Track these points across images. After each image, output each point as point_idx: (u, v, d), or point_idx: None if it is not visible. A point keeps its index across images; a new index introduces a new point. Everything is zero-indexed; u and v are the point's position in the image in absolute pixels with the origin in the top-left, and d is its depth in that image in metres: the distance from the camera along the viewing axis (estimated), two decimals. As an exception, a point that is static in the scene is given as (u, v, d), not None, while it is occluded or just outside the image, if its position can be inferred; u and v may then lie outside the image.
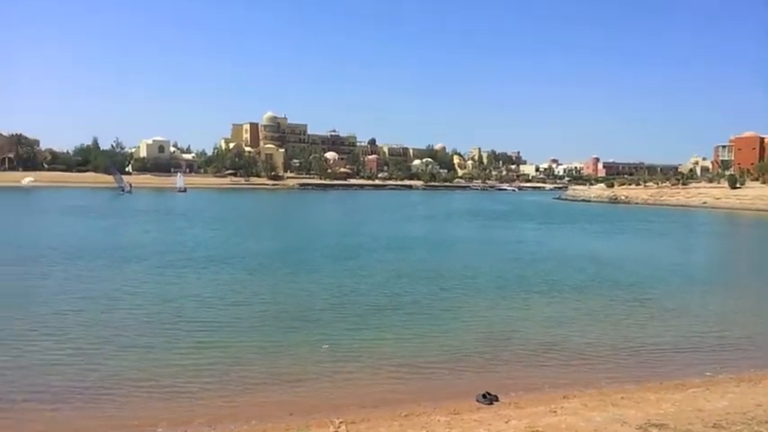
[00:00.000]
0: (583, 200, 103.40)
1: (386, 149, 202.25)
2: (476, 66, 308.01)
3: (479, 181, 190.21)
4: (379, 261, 25.29)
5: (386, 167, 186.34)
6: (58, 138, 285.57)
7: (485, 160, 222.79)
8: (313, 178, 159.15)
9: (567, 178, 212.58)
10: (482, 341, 13.29)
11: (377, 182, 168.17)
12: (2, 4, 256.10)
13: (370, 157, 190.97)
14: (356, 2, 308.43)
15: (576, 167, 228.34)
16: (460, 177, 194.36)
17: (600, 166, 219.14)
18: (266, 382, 10.53)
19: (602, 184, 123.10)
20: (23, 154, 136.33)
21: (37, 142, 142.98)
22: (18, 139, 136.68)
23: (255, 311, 15.64)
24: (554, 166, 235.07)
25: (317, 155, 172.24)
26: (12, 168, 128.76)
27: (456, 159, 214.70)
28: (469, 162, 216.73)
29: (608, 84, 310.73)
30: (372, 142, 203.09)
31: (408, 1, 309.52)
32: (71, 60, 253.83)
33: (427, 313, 15.82)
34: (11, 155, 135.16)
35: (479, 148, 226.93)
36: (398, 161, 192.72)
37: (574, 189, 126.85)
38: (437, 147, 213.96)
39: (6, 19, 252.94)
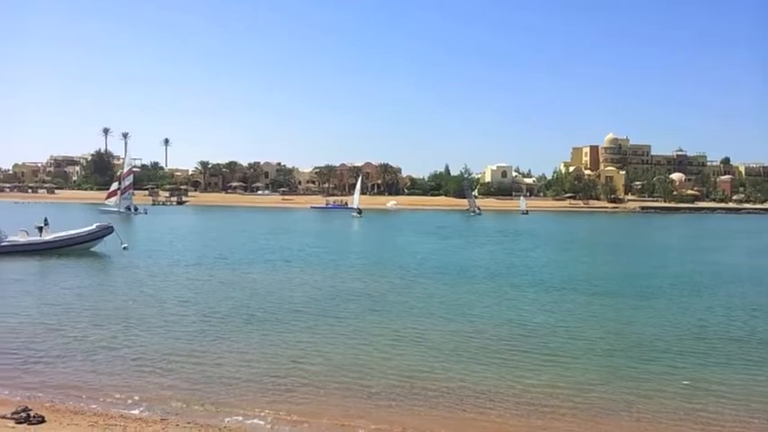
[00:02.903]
0: None
1: (742, 169, 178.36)
2: None
3: None
4: (741, 296, 22.70)
5: (742, 189, 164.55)
6: (416, 166, 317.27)
7: None
8: (656, 201, 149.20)
9: None
10: None
11: (731, 205, 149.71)
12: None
13: (722, 177, 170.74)
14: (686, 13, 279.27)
15: None
16: None
17: None
18: (614, 410, 10.49)
19: None
20: (389, 180, 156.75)
21: (399, 170, 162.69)
22: (385, 168, 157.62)
23: (606, 337, 15.56)
24: None
25: (661, 176, 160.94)
26: (380, 193, 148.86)
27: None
28: None
29: None
30: (726, 161, 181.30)
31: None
32: (432, 102, 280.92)
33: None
34: (379, 181, 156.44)
35: None
36: (758, 181, 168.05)
37: None
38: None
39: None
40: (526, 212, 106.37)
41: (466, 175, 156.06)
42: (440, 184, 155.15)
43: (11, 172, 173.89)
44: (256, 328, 15.76)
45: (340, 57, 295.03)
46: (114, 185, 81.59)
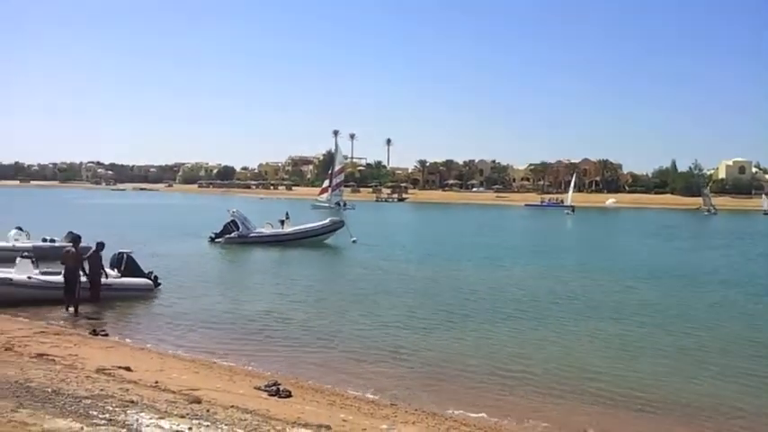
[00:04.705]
0: None
1: None
2: None
3: None
4: None
5: None
6: (639, 162, 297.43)
7: None
8: None
9: None
10: None
11: None
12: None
13: None
14: None
15: None
16: None
17: None
18: None
19: None
20: (608, 177, 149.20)
21: (620, 166, 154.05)
22: (604, 165, 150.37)
23: None
24: None
25: None
26: (598, 191, 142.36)
27: None
28: None
29: None
30: None
31: None
32: (657, 93, 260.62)
33: None
34: (597, 178, 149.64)
35: None
36: None
37: None
38: None
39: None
40: None
41: (696, 172, 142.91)
42: (665, 182, 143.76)
43: (257, 171, 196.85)
44: (469, 324, 16.22)
45: (552, 49, 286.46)
46: (326, 182, 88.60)
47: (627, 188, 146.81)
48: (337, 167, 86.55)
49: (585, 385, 11.50)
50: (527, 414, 10.01)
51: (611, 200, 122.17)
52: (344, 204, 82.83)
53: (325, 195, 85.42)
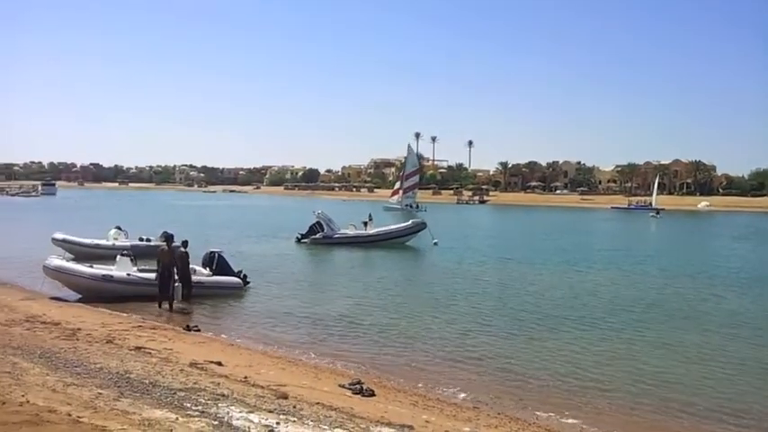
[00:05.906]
0: None
1: None
2: None
3: None
4: None
5: None
6: (734, 163, 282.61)
7: None
8: None
9: None
10: None
11: None
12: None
13: None
14: None
15: None
16: None
17: None
18: None
19: None
20: (701, 179, 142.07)
21: (714, 168, 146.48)
22: (696, 166, 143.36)
23: None
24: None
25: None
26: (689, 193, 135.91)
27: None
28: None
29: None
30: None
31: None
32: (752, 89, 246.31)
33: None
34: (689, 180, 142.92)
35: None
36: None
37: None
38: None
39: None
40: None
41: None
42: (763, 183, 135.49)
43: (340, 173, 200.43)
44: (547, 330, 15.86)
45: (639, 46, 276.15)
46: (397, 185, 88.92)
47: (720, 191, 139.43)
48: (410, 170, 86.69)
49: (670, 397, 11.04)
50: (611, 424, 9.75)
51: (703, 203, 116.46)
52: (418, 206, 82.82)
53: (396, 197, 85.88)
